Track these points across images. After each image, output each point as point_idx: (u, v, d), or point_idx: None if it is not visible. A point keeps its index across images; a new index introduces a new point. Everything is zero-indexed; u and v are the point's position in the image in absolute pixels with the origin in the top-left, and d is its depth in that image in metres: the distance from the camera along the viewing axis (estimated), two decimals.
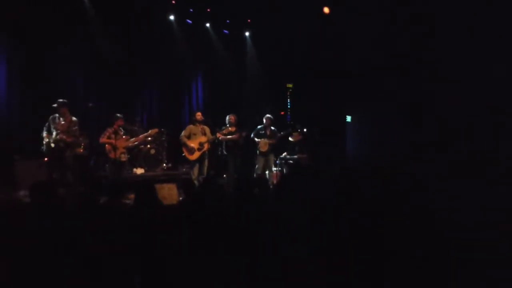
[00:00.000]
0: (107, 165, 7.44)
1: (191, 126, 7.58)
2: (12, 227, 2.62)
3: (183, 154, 7.55)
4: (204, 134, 7.50)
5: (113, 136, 7.02)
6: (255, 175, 7.75)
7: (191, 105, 10.48)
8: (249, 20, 10.47)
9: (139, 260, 2.46)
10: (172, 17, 9.65)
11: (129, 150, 7.70)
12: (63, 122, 6.58)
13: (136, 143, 7.80)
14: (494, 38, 6.16)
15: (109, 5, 8.45)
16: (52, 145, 6.49)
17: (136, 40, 8.98)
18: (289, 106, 10.60)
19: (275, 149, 8.33)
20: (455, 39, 6.72)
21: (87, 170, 7.48)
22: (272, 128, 8.14)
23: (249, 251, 2.38)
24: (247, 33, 10.73)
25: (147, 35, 9.13)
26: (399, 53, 7.73)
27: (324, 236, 2.54)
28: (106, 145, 7.13)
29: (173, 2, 9.46)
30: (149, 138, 8.25)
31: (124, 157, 7.26)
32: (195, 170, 7.40)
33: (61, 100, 6.62)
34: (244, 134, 7.86)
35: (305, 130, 8.79)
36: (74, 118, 6.69)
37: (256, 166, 8.01)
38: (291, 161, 8.58)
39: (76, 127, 6.67)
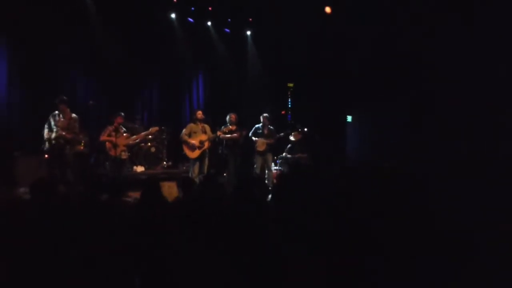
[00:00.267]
0: (107, 163, 7.44)
1: (191, 125, 7.57)
2: (12, 225, 2.62)
3: (184, 153, 7.55)
4: (205, 132, 7.49)
5: (113, 134, 7.02)
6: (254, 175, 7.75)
7: (192, 103, 10.47)
8: (250, 19, 10.46)
9: (140, 260, 2.46)
10: (173, 16, 9.65)
11: (130, 148, 7.70)
12: (62, 119, 6.58)
13: (136, 141, 7.80)
14: (494, 38, 6.16)
15: (110, 3, 8.44)
16: (53, 141, 6.49)
17: (137, 38, 8.97)
18: (289, 106, 10.61)
19: (274, 149, 8.32)
20: (455, 39, 6.73)
21: (87, 168, 7.47)
22: (270, 127, 8.13)
23: (249, 251, 2.38)
24: (248, 32, 10.72)
25: (148, 34, 9.12)
26: (399, 53, 7.74)
27: (324, 236, 2.54)
28: (107, 143, 7.13)
29: (175, 0, 9.45)
30: (150, 136, 8.26)
31: (124, 155, 7.26)
32: (195, 169, 7.40)
33: (61, 97, 6.62)
34: (244, 133, 7.86)
35: (305, 130, 8.79)
36: (74, 115, 6.69)
37: (255, 165, 8.01)
38: (291, 161, 8.58)
39: (76, 124, 6.66)
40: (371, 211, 2.87)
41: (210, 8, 9.90)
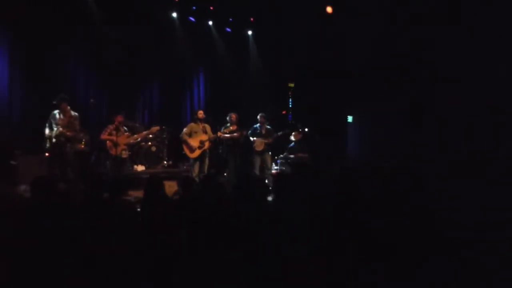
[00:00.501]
0: (107, 162, 7.44)
1: (192, 124, 7.57)
2: (13, 223, 2.62)
3: (184, 152, 7.55)
4: (205, 132, 7.49)
5: (114, 132, 7.03)
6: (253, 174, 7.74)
7: (193, 103, 10.48)
8: (251, 19, 10.45)
9: (140, 259, 2.46)
10: (174, 15, 9.65)
11: (130, 147, 7.70)
12: (63, 117, 6.58)
13: (137, 140, 7.80)
14: (494, 38, 6.16)
15: (111, 3, 8.44)
16: (54, 140, 6.49)
17: (138, 37, 8.98)
18: (290, 106, 10.62)
19: (273, 149, 8.33)
20: (455, 39, 6.73)
21: (87, 167, 7.48)
22: (268, 126, 8.13)
23: (249, 251, 2.39)
24: (249, 32, 10.71)
25: (149, 33, 9.13)
26: (399, 53, 7.74)
27: (324, 236, 2.55)
28: (107, 142, 7.14)
29: (176, 0, 9.45)
30: (150, 136, 8.26)
31: (125, 154, 7.26)
32: (196, 168, 7.40)
33: (61, 95, 6.63)
34: (245, 132, 7.88)
35: (306, 129, 8.80)
36: (74, 113, 6.69)
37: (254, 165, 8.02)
38: (293, 161, 8.59)
39: (77, 121, 6.66)
40: (371, 211, 2.88)
41: (211, 8, 9.91)
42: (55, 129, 6.55)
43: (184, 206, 3.41)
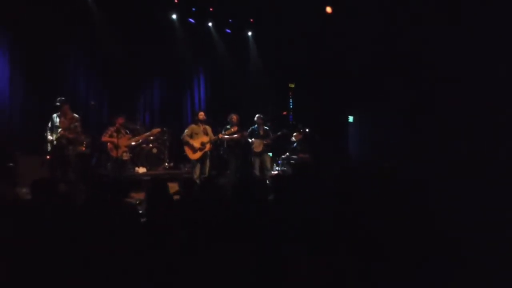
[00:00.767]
0: (108, 164, 7.46)
1: (193, 126, 7.57)
2: (13, 224, 2.62)
3: (185, 154, 7.56)
4: (206, 134, 7.49)
5: (115, 134, 7.04)
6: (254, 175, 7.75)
7: (193, 104, 10.49)
8: (251, 20, 10.47)
9: (142, 261, 2.47)
10: (174, 16, 9.67)
11: (131, 149, 7.71)
12: (64, 120, 6.60)
13: (138, 142, 7.82)
14: (494, 38, 6.17)
15: (112, 4, 8.46)
16: (55, 142, 6.50)
17: (138, 39, 9.00)
18: (291, 106, 10.63)
19: (274, 149, 8.33)
20: (455, 39, 6.73)
21: (88, 168, 7.49)
22: (265, 127, 8.15)
23: (249, 251, 2.40)
24: (249, 33, 10.72)
25: (149, 34, 9.14)
26: (399, 53, 7.74)
27: (324, 236, 2.55)
28: (108, 144, 7.14)
29: (176, 1, 9.47)
30: (151, 137, 8.27)
31: (126, 156, 7.27)
32: (197, 170, 7.40)
33: (62, 98, 6.64)
34: (246, 133, 7.89)
35: (307, 130, 8.80)
36: (75, 115, 6.71)
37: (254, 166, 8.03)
38: (293, 161, 8.59)
39: (78, 124, 6.67)
40: (371, 211, 2.88)
41: (211, 9, 9.92)
42: (56, 131, 6.57)
43: (185, 207, 3.42)
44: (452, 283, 2.40)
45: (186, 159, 7.84)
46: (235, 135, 7.71)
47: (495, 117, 6.01)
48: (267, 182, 7.45)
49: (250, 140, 7.99)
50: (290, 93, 10.86)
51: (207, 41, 10.22)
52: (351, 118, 9.88)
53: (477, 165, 5.39)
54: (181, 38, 9.77)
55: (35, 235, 2.49)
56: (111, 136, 7.11)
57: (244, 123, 8.08)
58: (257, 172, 7.88)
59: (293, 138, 8.76)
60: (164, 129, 8.69)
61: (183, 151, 7.54)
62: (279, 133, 8.23)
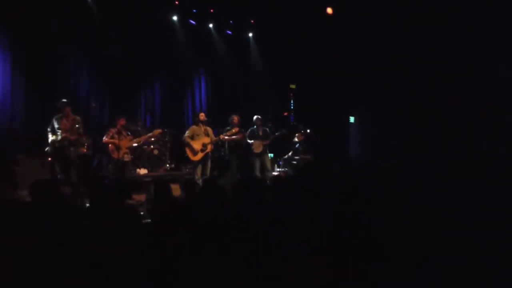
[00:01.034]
0: (110, 165, 7.47)
1: (194, 127, 7.58)
2: (13, 225, 2.63)
3: (186, 155, 7.56)
4: (207, 135, 7.50)
5: (116, 136, 7.06)
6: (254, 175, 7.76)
7: (194, 105, 10.50)
8: (252, 21, 10.48)
9: (143, 262, 2.48)
10: (175, 18, 9.68)
11: (132, 150, 7.72)
12: (66, 121, 6.62)
13: (139, 143, 7.83)
14: (494, 38, 6.17)
15: (112, 5, 8.48)
16: (57, 144, 6.52)
17: (138, 39, 9.00)
18: (292, 107, 10.64)
19: (275, 150, 8.34)
20: (455, 39, 6.74)
21: (90, 170, 7.50)
22: (265, 128, 8.16)
23: (249, 251, 2.40)
24: (250, 34, 10.74)
25: (149, 35, 9.14)
26: (399, 53, 7.75)
27: (324, 236, 2.56)
28: (109, 145, 7.16)
29: (177, 2, 9.49)
30: (152, 139, 8.28)
31: (127, 157, 7.28)
32: (198, 171, 7.40)
33: (64, 100, 6.66)
34: (246, 134, 7.92)
35: (308, 131, 8.81)
36: (77, 117, 6.72)
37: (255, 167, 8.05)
38: (295, 162, 8.61)
39: (79, 125, 6.68)
40: (371, 211, 2.89)
41: (211, 10, 9.94)
42: (58, 133, 6.59)
43: (186, 208, 3.43)
44: (452, 283, 2.41)
45: (187, 160, 7.85)
46: (236, 136, 7.72)
47: (495, 117, 6.01)
48: (268, 182, 7.48)
49: (250, 142, 8.01)
50: (291, 94, 10.88)
51: (207, 42, 10.23)
52: (352, 119, 9.89)
53: (477, 165, 5.38)
54: (182, 39, 9.78)
55: (35, 235, 2.50)
56: (112, 137, 7.13)
57: (245, 124, 8.09)
58: (257, 173, 7.90)
59: (296, 139, 8.77)
60: (165, 130, 8.69)
61: (184, 152, 7.55)
62: (277, 133, 8.25)
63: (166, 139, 8.84)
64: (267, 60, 10.57)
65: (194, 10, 9.85)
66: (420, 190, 3.33)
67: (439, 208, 3.01)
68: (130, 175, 7.80)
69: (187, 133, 7.48)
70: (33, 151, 6.96)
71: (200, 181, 6.98)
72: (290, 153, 8.90)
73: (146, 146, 8.47)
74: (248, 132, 8.06)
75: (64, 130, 6.55)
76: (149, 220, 3.24)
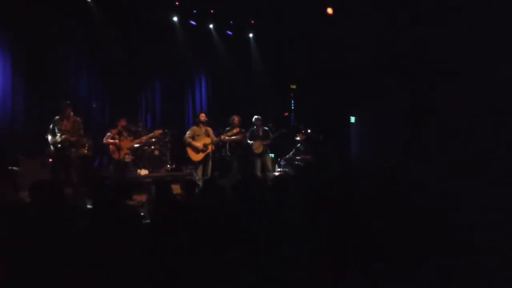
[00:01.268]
0: (111, 166, 7.48)
1: (194, 128, 7.58)
2: (13, 226, 2.64)
3: (187, 155, 7.56)
4: (208, 135, 7.51)
5: (117, 137, 7.06)
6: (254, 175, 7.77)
7: (195, 106, 10.51)
8: (252, 22, 10.49)
9: (143, 263, 2.49)
10: (175, 19, 9.69)
11: (133, 151, 7.72)
12: (66, 122, 6.62)
13: (140, 144, 7.84)
14: (494, 38, 6.17)
15: (113, 6, 8.49)
16: (58, 145, 6.52)
17: (139, 41, 9.01)
18: (292, 107, 10.64)
19: (276, 150, 8.35)
20: (455, 39, 6.74)
21: (90, 171, 7.51)
22: (264, 128, 8.17)
23: (249, 251, 2.41)
24: (250, 34, 10.74)
25: (150, 36, 9.15)
26: (399, 53, 7.76)
27: (324, 236, 2.56)
28: (110, 146, 7.17)
29: (177, 3, 9.50)
30: (153, 139, 8.29)
31: (128, 158, 7.29)
32: (199, 172, 7.40)
33: (64, 101, 6.67)
34: (248, 134, 7.92)
35: (308, 131, 8.82)
36: (78, 118, 6.72)
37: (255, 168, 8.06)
38: (297, 163, 8.62)
39: (80, 127, 6.69)
40: (371, 211, 2.89)
41: (212, 11, 9.95)
42: (58, 134, 6.59)
43: (186, 208, 3.44)
44: (452, 283, 2.41)
45: (188, 160, 7.86)
46: (237, 137, 7.74)
47: (495, 117, 6.01)
48: (269, 183, 7.49)
49: (250, 142, 8.02)
50: (291, 94, 10.88)
51: (208, 42, 10.24)
52: (352, 119, 9.89)
53: (477, 165, 5.38)
54: (182, 40, 9.78)
55: (35, 235, 2.50)
56: (113, 138, 7.14)
57: (245, 125, 8.10)
58: (258, 173, 7.91)
59: (298, 138, 8.79)
60: (166, 131, 8.70)
61: (185, 152, 7.56)
62: (276, 133, 8.25)
63: (167, 139, 8.85)
64: (267, 60, 10.57)
65: (195, 11, 9.86)
66: (420, 190, 3.33)
67: (439, 208, 3.02)
68: (131, 175, 7.81)
69: (187, 134, 7.49)
70: (34, 151, 6.96)
71: (200, 182, 7.00)
72: (291, 153, 8.90)
73: (147, 147, 8.48)
74: (248, 132, 8.07)
75: (64, 131, 6.55)
76: (149, 221, 3.25)
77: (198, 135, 7.43)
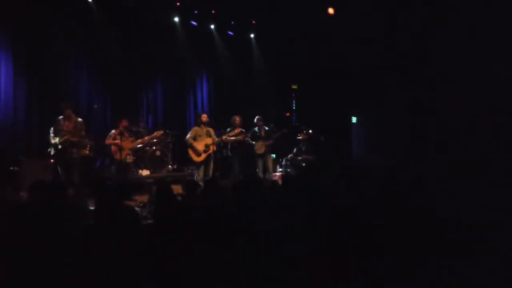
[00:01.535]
0: (112, 167, 7.50)
1: (196, 128, 7.60)
2: (13, 226, 2.65)
3: (189, 156, 7.57)
4: (209, 136, 7.52)
5: (118, 137, 7.08)
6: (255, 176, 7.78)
7: (196, 106, 10.51)
8: (253, 22, 10.49)
9: (143, 263, 2.50)
10: (176, 19, 9.70)
11: (135, 151, 7.74)
12: (68, 123, 6.64)
13: (141, 144, 7.85)
14: (494, 38, 6.17)
15: (113, 6, 8.50)
16: (59, 146, 6.54)
17: (140, 41, 9.02)
18: (294, 107, 10.65)
19: (277, 150, 8.35)
20: (455, 39, 6.73)
21: (92, 171, 7.53)
22: (266, 128, 8.18)
23: (249, 251, 2.42)
24: (251, 35, 10.75)
25: (152, 37, 9.16)
26: (399, 53, 7.75)
27: (324, 236, 2.57)
28: (112, 147, 7.19)
29: (178, 4, 9.51)
30: (155, 140, 8.30)
31: (129, 159, 7.31)
32: (201, 172, 7.42)
33: (66, 102, 6.69)
34: (249, 134, 7.93)
35: (310, 131, 8.82)
36: (79, 119, 6.74)
37: (257, 168, 8.06)
38: (298, 162, 8.63)
39: (83, 128, 6.70)
40: (371, 211, 2.90)
41: (213, 11, 9.96)
42: (60, 134, 6.61)
43: (188, 209, 3.45)
44: (452, 283, 2.42)
45: (190, 161, 7.87)
46: (238, 137, 7.75)
47: (495, 117, 6.00)
48: (269, 183, 7.50)
49: (253, 143, 8.03)
50: (293, 94, 10.89)
51: (209, 42, 10.24)
52: (354, 119, 9.88)
53: (477, 165, 5.38)
54: (183, 40, 9.79)
55: (35, 235, 2.51)
56: (114, 139, 7.16)
57: (247, 125, 8.11)
58: (260, 173, 7.92)
59: (300, 138, 8.80)
60: (167, 131, 8.72)
61: (187, 153, 7.57)
62: (278, 133, 8.26)
63: (168, 140, 8.85)
64: (269, 60, 10.57)
65: (196, 11, 9.87)
66: (420, 190, 3.34)
67: (439, 208, 3.02)
68: (133, 176, 7.82)
69: (189, 135, 7.50)
70: (35, 152, 6.98)
71: (202, 182, 7.01)
72: (293, 153, 8.91)
73: (148, 147, 8.49)
74: (250, 133, 8.08)
75: (66, 132, 6.56)
76: (151, 221, 3.26)
77: (200, 136, 7.45)
